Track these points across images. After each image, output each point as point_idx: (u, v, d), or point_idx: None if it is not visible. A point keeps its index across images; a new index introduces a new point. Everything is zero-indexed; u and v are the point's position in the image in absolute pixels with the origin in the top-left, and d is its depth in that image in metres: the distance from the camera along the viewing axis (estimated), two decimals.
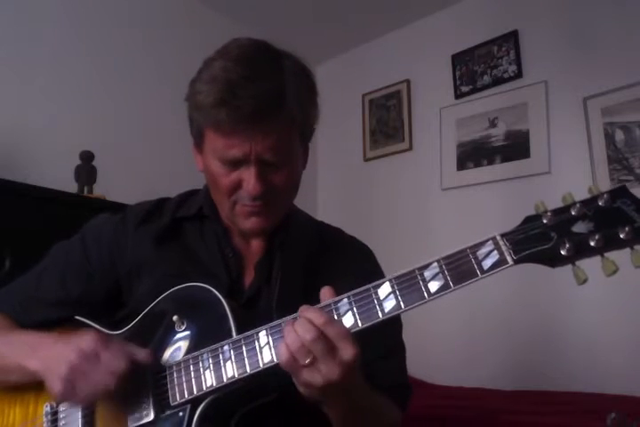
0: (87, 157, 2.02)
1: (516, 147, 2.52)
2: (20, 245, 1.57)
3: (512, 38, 2.59)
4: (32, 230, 1.60)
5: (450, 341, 2.53)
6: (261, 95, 0.79)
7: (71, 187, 1.97)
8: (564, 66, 2.41)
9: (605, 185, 2.20)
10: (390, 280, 0.69)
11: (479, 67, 2.70)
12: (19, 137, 2.01)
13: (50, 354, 0.77)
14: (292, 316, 0.71)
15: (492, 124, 2.62)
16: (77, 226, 1.00)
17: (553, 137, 2.41)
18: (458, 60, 2.78)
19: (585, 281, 0.63)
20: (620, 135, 2.22)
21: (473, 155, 2.66)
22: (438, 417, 1.56)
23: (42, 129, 2.11)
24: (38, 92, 2.14)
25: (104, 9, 2.40)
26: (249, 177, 0.83)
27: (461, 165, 2.69)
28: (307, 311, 0.68)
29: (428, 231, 2.75)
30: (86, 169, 2.01)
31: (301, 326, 0.66)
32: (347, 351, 0.65)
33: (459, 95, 2.76)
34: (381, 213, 2.97)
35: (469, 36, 2.74)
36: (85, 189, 2.01)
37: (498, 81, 2.62)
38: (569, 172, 2.34)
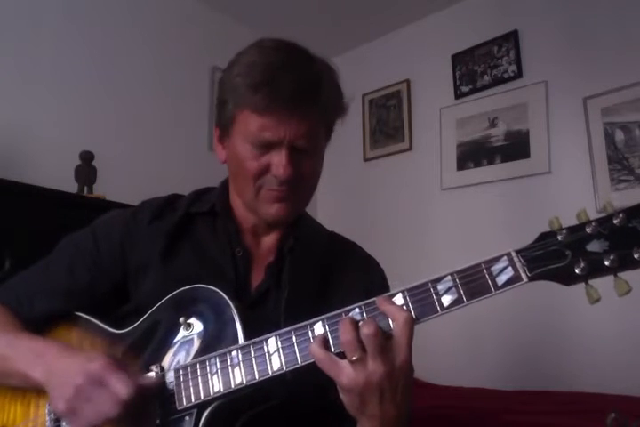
0: (87, 157, 2.02)
1: (516, 147, 2.52)
2: (20, 246, 1.57)
3: (512, 38, 2.59)
4: (32, 230, 1.60)
5: (450, 341, 2.53)
6: (301, 80, 0.81)
7: (71, 187, 1.97)
8: (564, 66, 2.41)
9: (605, 185, 2.20)
10: (402, 292, 0.68)
11: (479, 67, 2.70)
12: (19, 137, 2.01)
13: (55, 368, 0.76)
14: (302, 324, 0.70)
15: (492, 124, 2.62)
16: (77, 226, 1.00)
17: (553, 137, 2.41)
18: (458, 60, 2.78)
19: (597, 301, 0.62)
20: (619, 135, 2.22)
21: (473, 155, 2.66)
22: (438, 417, 1.56)
23: (42, 129, 2.11)
24: (38, 92, 2.14)
25: (105, 9, 2.40)
26: (279, 161, 0.84)
27: (461, 165, 2.69)
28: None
29: (428, 231, 2.75)
30: (86, 169, 2.02)
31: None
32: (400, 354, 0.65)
33: (459, 95, 2.76)
34: (381, 213, 2.97)
35: (469, 36, 2.74)
36: (85, 189, 2.01)
37: (498, 81, 2.62)
38: (569, 172, 2.34)
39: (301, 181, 0.88)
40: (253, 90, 0.80)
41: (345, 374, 0.65)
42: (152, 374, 0.77)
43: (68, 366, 0.75)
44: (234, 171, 0.91)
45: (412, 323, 0.65)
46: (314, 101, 0.83)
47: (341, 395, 0.68)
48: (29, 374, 0.79)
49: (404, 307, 0.67)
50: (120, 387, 0.70)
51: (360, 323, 0.65)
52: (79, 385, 0.71)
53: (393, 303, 0.67)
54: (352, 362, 0.64)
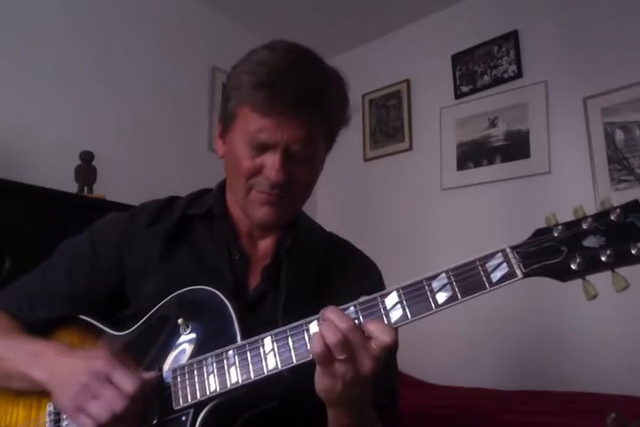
0: (87, 157, 2.02)
1: (516, 147, 2.52)
2: (20, 246, 1.57)
3: (512, 38, 2.59)
4: (32, 230, 1.60)
5: (450, 341, 2.53)
6: (306, 85, 0.81)
7: (71, 187, 1.97)
8: (564, 66, 2.41)
9: (605, 185, 2.20)
10: (397, 290, 0.68)
11: (479, 67, 2.70)
12: (19, 137, 2.01)
13: (57, 367, 0.76)
14: (297, 323, 0.71)
15: (492, 124, 2.62)
16: (77, 226, 1.00)
17: (553, 137, 2.42)
18: (458, 60, 2.78)
19: (594, 297, 0.62)
20: (619, 135, 2.22)
21: (473, 155, 2.66)
22: (438, 417, 1.56)
23: (42, 129, 2.11)
24: (39, 92, 2.14)
25: (105, 9, 2.40)
26: (272, 163, 0.84)
27: (461, 165, 2.69)
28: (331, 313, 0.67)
29: (428, 231, 2.75)
30: (86, 169, 2.02)
31: (339, 319, 0.66)
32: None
33: (459, 95, 2.76)
34: (381, 213, 2.97)
35: (469, 36, 2.74)
36: (85, 189, 2.01)
37: (498, 81, 2.62)
38: (569, 172, 2.34)
39: (293, 187, 0.87)
40: (256, 89, 0.81)
41: (334, 367, 0.66)
42: (152, 372, 0.77)
43: (70, 364, 0.76)
44: (229, 167, 0.91)
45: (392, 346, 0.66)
46: (316, 108, 0.83)
47: (322, 380, 0.68)
48: (29, 375, 0.79)
49: (399, 305, 0.67)
50: (126, 383, 0.71)
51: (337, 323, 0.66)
52: (85, 383, 0.72)
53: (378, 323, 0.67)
54: (340, 360, 0.65)
